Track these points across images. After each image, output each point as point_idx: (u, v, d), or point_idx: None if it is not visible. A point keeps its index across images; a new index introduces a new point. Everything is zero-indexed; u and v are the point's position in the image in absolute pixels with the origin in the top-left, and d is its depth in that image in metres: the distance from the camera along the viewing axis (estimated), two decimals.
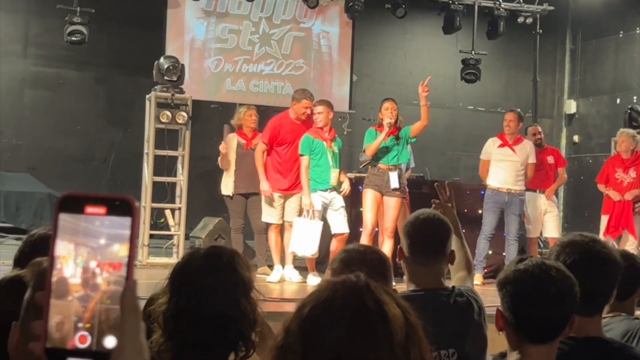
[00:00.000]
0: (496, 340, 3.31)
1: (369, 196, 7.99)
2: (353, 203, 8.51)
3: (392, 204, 7.95)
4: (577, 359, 2.18)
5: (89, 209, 1.03)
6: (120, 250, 1.03)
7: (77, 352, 1.01)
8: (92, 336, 1.01)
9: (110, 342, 1.02)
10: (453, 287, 3.03)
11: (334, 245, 7.99)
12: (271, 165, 8.22)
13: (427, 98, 8.01)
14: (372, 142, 7.98)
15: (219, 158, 8.84)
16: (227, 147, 8.72)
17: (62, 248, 1.03)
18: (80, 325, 1.01)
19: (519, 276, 2.06)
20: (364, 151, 8.13)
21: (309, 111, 8.23)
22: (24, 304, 1.59)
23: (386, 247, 7.63)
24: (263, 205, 8.29)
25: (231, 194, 8.72)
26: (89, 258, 1.02)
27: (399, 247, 3.07)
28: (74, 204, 1.04)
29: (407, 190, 8.85)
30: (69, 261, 1.02)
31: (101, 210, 1.03)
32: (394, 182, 7.91)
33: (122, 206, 1.04)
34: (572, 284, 2.05)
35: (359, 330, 1.27)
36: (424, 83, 7.95)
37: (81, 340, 1.01)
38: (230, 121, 9.17)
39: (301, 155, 8.03)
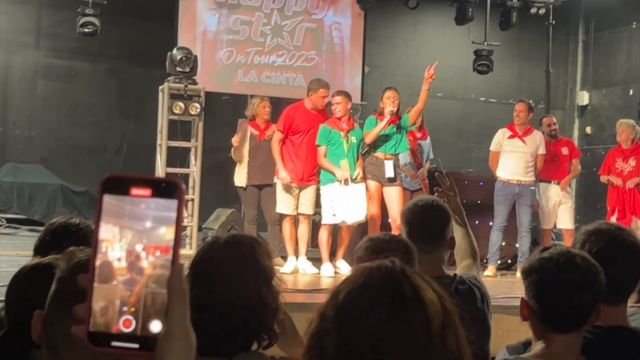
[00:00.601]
0: (511, 332, 3.30)
1: (369, 188, 7.98)
2: None
3: (393, 194, 7.96)
4: (602, 348, 2.16)
5: (135, 191, 1.01)
6: (167, 234, 1.01)
7: (122, 336, 0.99)
8: (137, 320, 0.99)
9: (156, 326, 1.00)
10: (454, 274, 3.01)
11: (342, 236, 8.03)
12: (287, 155, 8.21)
13: (432, 85, 7.98)
14: (372, 130, 7.97)
15: (232, 150, 8.84)
16: (240, 139, 8.72)
17: (107, 231, 1.00)
18: (125, 309, 0.99)
19: (544, 264, 2.04)
20: (363, 139, 8.12)
21: (327, 100, 8.23)
22: (50, 293, 1.58)
23: None
24: (278, 196, 8.28)
25: (245, 186, 8.73)
26: (135, 241, 1.00)
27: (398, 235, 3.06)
28: (119, 186, 1.02)
29: (427, 181, 8.88)
30: (114, 245, 1.00)
31: (146, 192, 1.01)
32: (389, 171, 7.93)
33: (168, 188, 1.02)
34: (597, 272, 2.04)
35: (395, 316, 1.26)
36: (431, 68, 7.91)
37: (125, 324, 0.99)
38: (245, 112, 9.17)
39: (318, 145, 8.03)
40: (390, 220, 8.06)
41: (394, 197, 7.95)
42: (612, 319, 2.22)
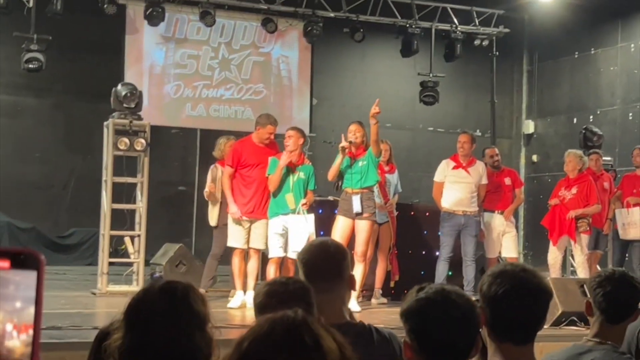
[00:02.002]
0: None
1: (337, 222, 8.01)
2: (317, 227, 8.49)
3: (360, 227, 7.92)
4: None
5: None
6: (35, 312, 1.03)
7: None
8: None
9: None
10: (368, 325, 2.94)
11: (287, 268, 8.03)
12: (237, 189, 8.25)
13: (381, 115, 8.02)
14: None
15: (206, 193, 8.86)
16: (214, 185, 8.78)
17: None
18: None
19: (423, 304, 2.10)
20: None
21: (272, 136, 8.28)
22: None
23: (357, 272, 7.49)
24: (229, 230, 8.28)
25: (217, 225, 8.79)
26: (5, 320, 1.01)
27: None
28: None
29: (395, 214, 8.97)
30: None
31: (5, 263, 1.01)
32: (356, 206, 7.90)
33: (27, 260, 1.02)
34: (473, 306, 2.13)
35: None
36: (375, 106, 7.88)
37: None
38: (212, 153, 9.19)
39: (268, 175, 8.06)
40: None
41: (360, 230, 7.92)
42: (519, 359, 2.28)
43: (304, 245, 7.52)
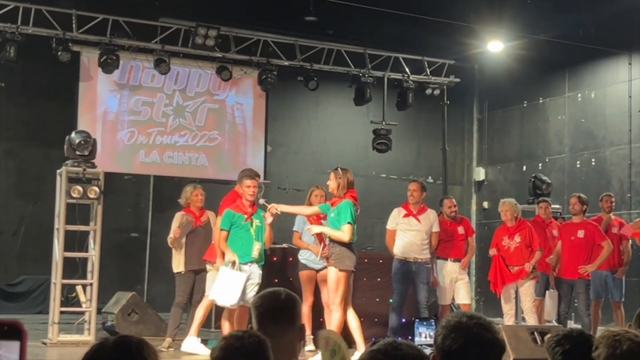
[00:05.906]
0: None
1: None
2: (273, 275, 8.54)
3: (325, 276, 8.04)
4: None
5: None
6: None
7: None
8: None
9: None
10: None
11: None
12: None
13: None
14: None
15: (170, 239, 8.80)
16: (179, 231, 8.73)
17: None
18: None
19: (374, 356, 2.17)
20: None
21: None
22: None
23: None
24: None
25: (182, 271, 8.72)
26: None
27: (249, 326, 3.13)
28: None
29: None
30: None
31: None
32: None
33: (10, 331, 1.06)
34: (423, 356, 2.19)
35: None
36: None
37: None
38: (178, 200, 9.14)
39: (221, 229, 7.99)
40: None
41: (326, 279, 7.99)
42: None
43: (221, 295, 7.68)
